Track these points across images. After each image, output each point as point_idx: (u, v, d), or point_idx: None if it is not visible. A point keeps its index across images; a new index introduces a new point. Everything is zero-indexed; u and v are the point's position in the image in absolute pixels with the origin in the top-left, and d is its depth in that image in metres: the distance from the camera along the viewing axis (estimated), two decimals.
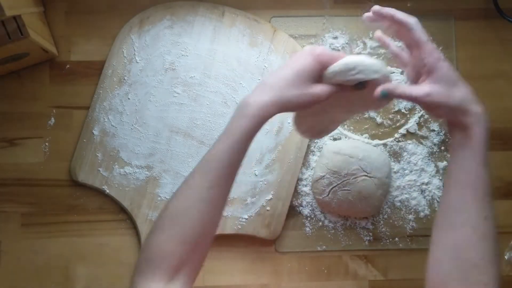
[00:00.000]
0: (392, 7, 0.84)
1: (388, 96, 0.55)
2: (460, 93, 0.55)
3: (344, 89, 0.58)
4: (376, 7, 0.59)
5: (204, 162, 0.56)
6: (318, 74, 0.57)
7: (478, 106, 0.55)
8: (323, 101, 0.57)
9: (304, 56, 0.57)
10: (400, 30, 0.59)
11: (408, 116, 0.83)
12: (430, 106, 0.56)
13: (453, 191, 0.56)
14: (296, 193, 0.81)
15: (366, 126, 0.83)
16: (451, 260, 0.53)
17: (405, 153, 0.83)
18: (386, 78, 0.57)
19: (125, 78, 0.81)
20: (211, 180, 0.54)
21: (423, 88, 0.55)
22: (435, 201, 0.82)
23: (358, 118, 0.83)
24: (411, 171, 0.82)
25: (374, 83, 0.56)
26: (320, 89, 0.56)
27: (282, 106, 0.56)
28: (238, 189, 0.79)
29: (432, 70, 0.56)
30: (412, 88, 0.56)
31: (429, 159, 0.83)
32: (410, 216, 0.82)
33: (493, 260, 0.53)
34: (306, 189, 0.81)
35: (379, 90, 0.55)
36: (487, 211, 0.54)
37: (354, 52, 0.84)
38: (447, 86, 0.55)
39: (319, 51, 0.57)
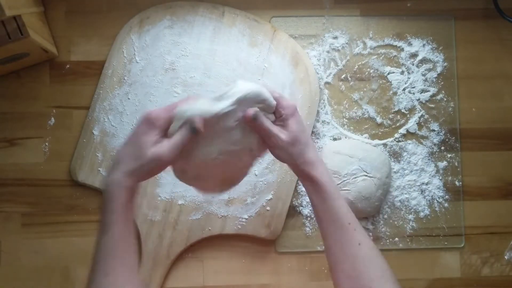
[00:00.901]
0: (392, 7, 0.85)
1: (255, 117, 0.57)
2: (300, 145, 0.60)
3: (187, 137, 0.57)
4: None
5: (96, 253, 0.56)
6: (161, 135, 0.57)
7: (313, 153, 0.61)
8: (169, 157, 0.56)
9: (139, 126, 0.57)
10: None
11: (408, 116, 0.83)
12: (275, 145, 0.60)
13: (325, 231, 0.61)
14: (296, 193, 0.81)
15: (366, 126, 0.83)
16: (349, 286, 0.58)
17: (405, 153, 0.83)
18: (215, 114, 0.57)
19: (125, 78, 0.81)
20: (106, 269, 0.55)
21: (276, 129, 0.60)
22: (435, 201, 0.82)
23: (358, 118, 0.83)
24: (411, 171, 0.82)
25: (211, 120, 0.56)
26: (154, 150, 0.56)
27: (138, 177, 0.56)
28: (238, 189, 0.79)
29: (284, 121, 0.61)
30: (269, 122, 0.60)
31: (429, 159, 0.83)
32: (410, 216, 0.82)
33: (385, 276, 0.57)
34: None
35: (251, 111, 0.57)
36: (358, 237, 0.59)
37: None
38: (294, 138, 0.60)
39: (153, 116, 0.57)
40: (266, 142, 0.61)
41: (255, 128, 0.59)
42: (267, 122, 0.59)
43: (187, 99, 0.58)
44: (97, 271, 0.55)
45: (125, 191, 0.56)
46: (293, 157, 0.60)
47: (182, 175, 0.62)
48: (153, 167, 0.57)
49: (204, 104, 0.57)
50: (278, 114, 0.61)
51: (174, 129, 0.57)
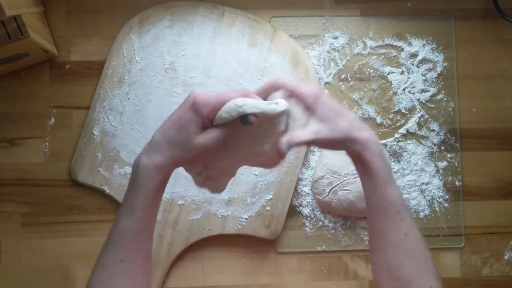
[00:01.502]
0: (392, 7, 0.85)
1: (289, 147, 0.55)
2: (344, 124, 0.56)
3: (232, 130, 0.56)
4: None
5: (113, 236, 0.54)
6: (204, 121, 0.55)
7: (364, 132, 0.56)
8: (213, 148, 0.55)
9: (184, 110, 0.55)
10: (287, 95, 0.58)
11: (408, 116, 0.83)
12: (322, 144, 0.58)
13: (370, 216, 0.58)
14: (296, 193, 0.81)
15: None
16: (388, 281, 0.55)
17: (405, 153, 0.83)
18: (269, 114, 0.56)
19: (125, 78, 0.81)
20: (122, 254, 0.53)
21: (308, 131, 0.56)
22: (435, 201, 0.82)
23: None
24: (411, 171, 0.82)
25: (260, 118, 0.55)
26: (204, 139, 0.54)
27: (174, 164, 0.55)
28: (238, 189, 0.79)
29: (313, 111, 0.57)
30: (300, 134, 0.56)
31: (429, 159, 0.83)
32: None
33: (428, 271, 0.54)
34: (306, 189, 0.81)
35: (283, 142, 0.55)
36: (405, 227, 0.55)
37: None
38: (329, 122, 0.56)
39: (200, 102, 0.53)
40: (317, 146, 0.59)
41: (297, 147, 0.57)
42: (300, 138, 0.56)
43: (239, 92, 0.55)
44: (112, 255, 0.53)
45: (162, 175, 0.54)
46: (339, 141, 0.56)
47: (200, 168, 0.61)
48: (197, 155, 0.55)
49: (258, 102, 0.55)
50: (302, 105, 0.57)
51: (221, 118, 0.55)
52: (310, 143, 0.57)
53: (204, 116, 0.54)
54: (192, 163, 0.57)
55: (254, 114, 0.54)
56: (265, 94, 0.58)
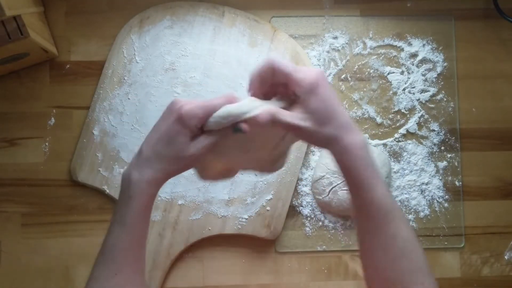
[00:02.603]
0: (392, 7, 0.85)
1: (271, 120, 0.51)
2: (332, 123, 0.52)
3: (225, 136, 0.54)
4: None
5: (105, 249, 0.54)
6: (192, 131, 0.53)
7: (349, 135, 0.52)
8: (203, 155, 0.54)
9: (170, 123, 0.53)
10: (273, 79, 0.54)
11: (408, 116, 0.83)
12: (303, 135, 0.54)
13: (358, 219, 0.56)
14: (296, 193, 0.81)
15: (366, 126, 0.83)
16: (377, 281, 0.54)
17: (405, 153, 0.83)
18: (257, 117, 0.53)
19: (125, 78, 0.81)
20: (115, 268, 0.53)
21: (295, 116, 0.52)
22: (435, 201, 0.82)
23: (358, 118, 0.83)
24: (411, 171, 0.82)
25: (253, 123, 0.53)
26: (195, 149, 0.53)
27: (167, 177, 0.54)
28: (238, 189, 0.79)
29: (304, 101, 0.52)
30: (286, 114, 0.52)
31: (429, 159, 0.83)
32: (410, 216, 0.82)
33: (419, 270, 0.53)
34: (306, 189, 0.81)
35: (266, 112, 0.51)
36: (393, 229, 0.53)
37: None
38: (318, 116, 0.52)
39: (186, 115, 0.52)
40: (297, 136, 0.55)
41: (278, 126, 0.53)
42: (285, 117, 0.52)
43: (224, 98, 0.53)
44: (105, 269, 0.53)
45: (155, 189, 0.54)
46: (321, 139, 0.53)
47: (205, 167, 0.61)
48: (189, 164, 0.54)
49: (245, 108, 0.53)
50: (294, 93, 0.53)
51: (211, 125, 0.53)
52: (292, 128, 0.52)
53: (193, 126, 0.52)
54: (186, 170, 0.56)
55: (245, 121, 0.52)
56: (261, 79, 0.54)
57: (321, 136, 0.53)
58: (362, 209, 0.54)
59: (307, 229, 0.81)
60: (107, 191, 0.79)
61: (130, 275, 0.54)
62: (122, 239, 0.53)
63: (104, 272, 0.53)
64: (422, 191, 0.82)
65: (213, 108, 0.52)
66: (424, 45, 0.84)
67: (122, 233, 0.53)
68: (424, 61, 0.84)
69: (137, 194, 0.53)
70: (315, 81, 0.52)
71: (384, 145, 0.82)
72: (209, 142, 0.53)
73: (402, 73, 0.83)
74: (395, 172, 0.82)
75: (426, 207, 0.82)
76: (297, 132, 0.53)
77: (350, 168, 0.53)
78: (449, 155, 0.83)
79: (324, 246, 0.81)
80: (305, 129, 0.52)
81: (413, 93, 0.83)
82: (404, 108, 0.83)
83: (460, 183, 0.83)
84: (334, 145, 0.53)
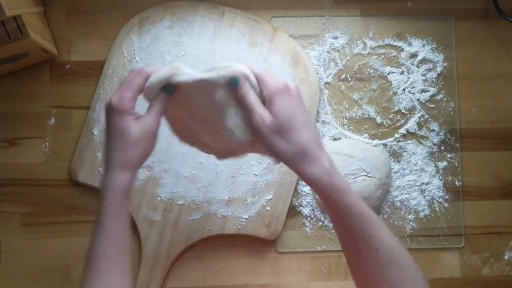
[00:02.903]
0: (392, 7, 0.85)
1: (238, 82, 0.53)
2: (292, 141, 0.52)
3: (167, 102, 0.56)
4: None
5: (86, 255, 0.55)
6: (131, 113, 0.55)
7: (310, 168, 0.52)
8: (157, 125, 0.55)
9: (110, 120, 0.55)
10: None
11: (408, 116, 0.83)
12: (259, 136, 0.54)
13: (336, 233, 0.57)
14: (296, 193, 0.81)
15: (366, 126, 0.83)
16: None
17: (405, 153, 0.83)
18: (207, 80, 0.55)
19: None
20: (97, 271, 0.53)
21: (261, 110, 0.52)
22: (435, 201, 0.82)
23: (358, 118, 0.83)
24: (411, 171, 0.82)
25: (179, 86, 0.55)
26: (142, 130, 0.54)
27: (135, 164, 0.55)
28: (238, 189, 0.79)
29: (268, 102, 0.53)
30: (254, 99, 0.53)
31: (429, 159, 0.83)
32: (410, 216, 0.82)
33: (407, 277, 0.53)
34: (306, 189, 0.81)
35: (237, 69, 0.53)
36: (375, 243, 0.52)
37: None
38: (278, 123, 0.52)
39: (116, 103, 0.54)
40: (250, 123, 0.54)
41: (241, 101, 0.53)
42: (252, 95, 0.52)
43: (145, 69, 0.55)
44: (90, 272, 0.54)
45: (122, 187, 0.54)
46: (280, 149, 0.52)
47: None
48: (147, 143, 0.55)
49: (178, 68, 0.55)
50: (262, 95, 0.53)
51: (147, 94, 0.56)
52: (249, 110, 0.53)
53: (128, 108, 0.54)
54: (147, 156, 0.56)
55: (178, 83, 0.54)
56: None
57: (274, 142, 0.52)
58: (340, 227, 0.55)
59: (307, 229, 0.81)
60: None
61: (113, 276, 0.54)
62: (99, 241, 0.54)
63: (90, 274, 0.54)
64: (422, 191, 0.82)
65: (136, 84, 0.54)
66: (424, 45, 0.84)
67: (99, 236, 0.54)
68: (424, 61, 0.84)
69: (109, 194, 0.54)
70: (283, 88, 0.53)
71: (384, 145, 0.82)
72: (152, 117, 0.55)
73: (402, 73, 0.84)
74: (395, 172, 0.82)
75: (426, 207, 0.82)
76: (252, 119, 0.53)
77: (318, 192, 0.54)
78: (449, 155, 0.83)
79: (324, 246, 0.81)
80: (260, 131, 0.52)
81: (413, 93, 0.83)
82: (404, 108, 0.83)
83: (460, 183, 0.83)
84: (295, 170, 0.53)
